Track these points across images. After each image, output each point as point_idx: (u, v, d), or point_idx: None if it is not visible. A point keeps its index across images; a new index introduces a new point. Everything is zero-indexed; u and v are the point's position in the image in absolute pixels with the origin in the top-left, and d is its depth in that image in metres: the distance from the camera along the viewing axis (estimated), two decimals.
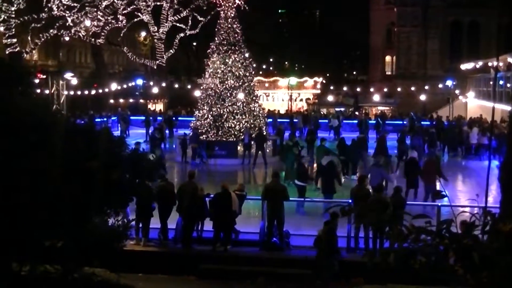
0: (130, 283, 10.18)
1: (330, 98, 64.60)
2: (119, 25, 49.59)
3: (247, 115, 29.99)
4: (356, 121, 41.13)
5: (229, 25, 30.53)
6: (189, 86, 61.35)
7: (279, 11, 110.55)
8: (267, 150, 29.43)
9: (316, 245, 12.84)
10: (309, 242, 14.71)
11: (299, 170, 19.65)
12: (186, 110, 47.67)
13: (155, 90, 56.30)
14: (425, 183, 19.13)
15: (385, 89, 65.39)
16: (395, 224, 3.90)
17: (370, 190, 15.53)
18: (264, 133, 29.54)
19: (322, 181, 18.93)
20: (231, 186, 16.06)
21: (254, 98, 31.26)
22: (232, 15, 30.55)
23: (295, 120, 41.62)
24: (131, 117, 41.92)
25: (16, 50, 43.36)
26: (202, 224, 15.56)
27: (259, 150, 28.31)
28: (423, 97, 53.47)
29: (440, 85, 54.62)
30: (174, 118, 40.47)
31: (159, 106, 59.67)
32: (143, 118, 39.84)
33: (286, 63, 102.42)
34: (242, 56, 30.71)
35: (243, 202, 15.63)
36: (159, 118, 40.93)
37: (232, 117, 29.68)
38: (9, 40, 43.41)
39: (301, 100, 64.82)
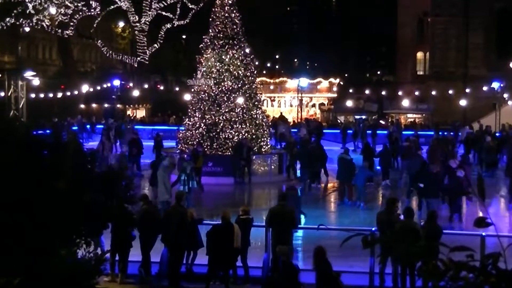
0: None
1: (349, 103, 64.76)
2: (92, 13, 49.65)
3: (247, 124, 30.01)
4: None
5: (226, 14, 30.62)
6: (177, 88, 61.60)
7: None
8: (272, 166, 29.63)
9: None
10: None
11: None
12: (172, 117, 47.78)
13: (135, 93, 56.55)
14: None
15: (416, 93, 65.57)
16: (430, 258, 3.89)
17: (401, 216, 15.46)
18: (247, 144, 29.09)
19: None
20: (230, 209, 16.03)
21: (256, 103, 31.32)
22: (230, 2, 30.67)
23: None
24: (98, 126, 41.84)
25: None
26: (194, 256, 15.55)
27: (239, 166, 28.39)
28: (463, 102, 53.55)
29: (484, 88, 54.67)
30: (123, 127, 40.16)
31: (141, 113, 59.86)
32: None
33: (296, 60, 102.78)
34: (242, 52, 30.78)
35: (250, 229, 15.55)
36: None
37: (230, 126, 29.70)
38: None
39: (313, 106, 65.03)
